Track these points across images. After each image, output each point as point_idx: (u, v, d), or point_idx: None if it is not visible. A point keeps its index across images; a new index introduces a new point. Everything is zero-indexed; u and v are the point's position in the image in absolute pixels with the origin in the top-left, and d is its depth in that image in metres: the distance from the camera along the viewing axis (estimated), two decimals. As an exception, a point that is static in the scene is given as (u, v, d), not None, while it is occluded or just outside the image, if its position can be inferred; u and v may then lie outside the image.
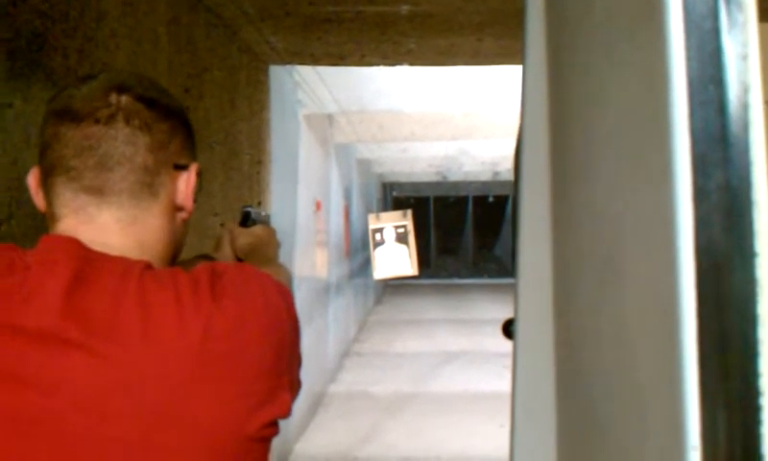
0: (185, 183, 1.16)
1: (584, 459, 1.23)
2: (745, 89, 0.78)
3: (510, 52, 4.72)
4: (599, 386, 1.12)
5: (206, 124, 3.87)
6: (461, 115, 8.04)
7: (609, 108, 1.03)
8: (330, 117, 8.23)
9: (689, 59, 0.78)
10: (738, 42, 0.79)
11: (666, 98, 0.79)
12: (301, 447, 6.74)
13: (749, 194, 0.78)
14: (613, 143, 1.01)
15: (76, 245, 1.05)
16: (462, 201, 24.74)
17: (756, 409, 0.77)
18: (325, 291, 8.68)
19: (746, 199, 0.78)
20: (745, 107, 0.78)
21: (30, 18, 2.19)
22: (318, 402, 8.08)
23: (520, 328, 1.48)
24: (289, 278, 1.58)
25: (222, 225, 3.66)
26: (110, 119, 1.08)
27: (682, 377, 0.78)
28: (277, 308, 1.09)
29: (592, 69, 1.11)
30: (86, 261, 1.03)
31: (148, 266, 1.06)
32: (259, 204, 4.99)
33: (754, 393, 0.77)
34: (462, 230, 25.59)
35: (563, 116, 1.33)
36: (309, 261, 7.41)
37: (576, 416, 1.28)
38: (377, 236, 10.16)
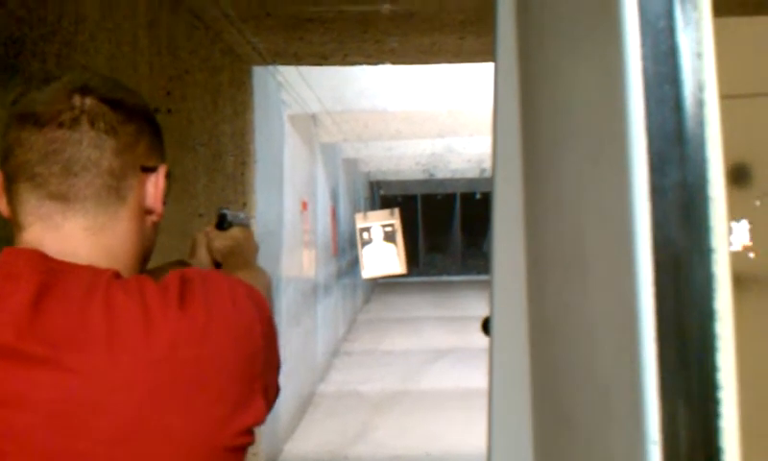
0: (154, 186, 1.13)
1: (556, 452, 1.24)
2: (700, 87, 0.79)
3: (492, 50, 4.72)
4: (569, 381, 1.13)
5: (189, 126, 3.87)
6: (446, 113, 8.05)
7: (572, 106, 1.04)
8: (315, 117, 8.22)
9: (645, 58, 0.79)
10: (693, 40, 0.79)
11: (623, 97, 0.80)
12: (291, 447, 6.74)
13: (705, 191, 0.79)
14: (576, 141, 1.02)
15: (40, 257, 1.03)
16: (449, 198, 24.77)
17: (714, 403, 0.78)
18: (313, 291, 8.68)
19: (702, 195, 0.79)
20: (700, 104, 0.79)
21: (7, 23, 2.18)
22: (307, 402, 8.09)
23: (496, 325, 1.49)
24: (268, 281, 1.57)
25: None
26: (74, 123, 1.05)
27: (641, 372, 0.79)
28: (248, 314, 1.07)
29: (558, 67, 1.12)
30: (51, 273, 1.01)
31: (116, 275, 1.04)
32: (244, 205, 4.98)
33: (712, 387, 0.78)
34: (450, 228, 25.63)
35: (533, 114, 1.34)
36: (296, 262, 7.41)
37: (550, 410, 1.29)
38: (365, 235, 10.17)
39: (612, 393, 0.90)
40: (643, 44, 0.79)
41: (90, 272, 1.03)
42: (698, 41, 0.79)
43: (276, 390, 1.16)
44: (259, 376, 1.06)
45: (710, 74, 0.79)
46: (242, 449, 1.05)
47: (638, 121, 0.79)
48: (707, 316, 0.78)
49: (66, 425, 0.96)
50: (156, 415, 0.98)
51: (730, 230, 2.16)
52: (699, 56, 0.79)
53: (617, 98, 0.82)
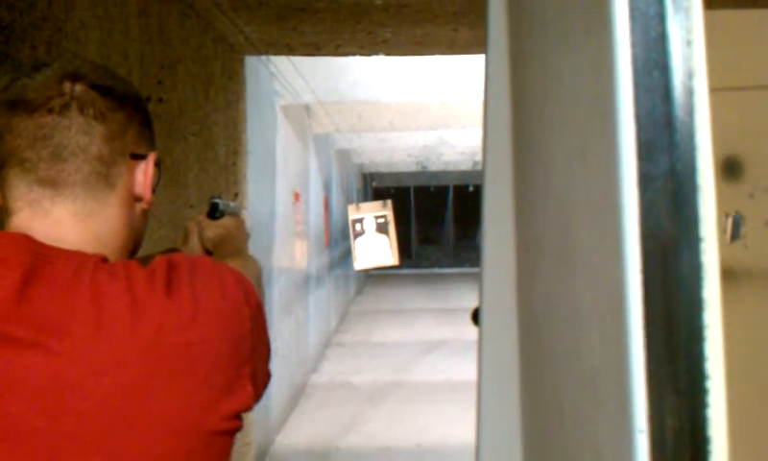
0: (143, 173, 1.14)
1: (545, 442, 1.24)
2: (690, 75, 0.79)
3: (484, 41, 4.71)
4: (558, 370, 1.13)
5: (181, 115, 3.85)
6: (439, 105, 8.04)
7: (562, 95, 1.04)
8: (308, 108, 8.20)
9: (634, 44, 0.79)
10: (683, 28, 0.79)
11: (612, 84, 0.80)
12: (283, 437, 6.75)
13: (694, 180, 0.78)
14: (566, 130, 1.02)
15: (27, 241, 1.04)
16: (442, 190, 24.80)
17: (702, 392, 0.77)
18: (305, 282, 8.67)
19: (691, 184, 0.78)
20: (690, 92, 0.79)
21: (-4, 10, 2.17)
22: (299, 393, 8.09)
23: (485, 315, 1.49)
24: (258, 270, 1.57)
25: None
26: (64, 108, 1.06)
27: (629, 362, 0.79)
28: (235, 299, 1.07)
29: (548, 57, 1.12)
30: (38, 257, 1.02)
31: (103, 260, 1.05)
32: (236, 195, 4.97)
33: (700, 376, 0.78)
34: (443, 220, 25.67)
35: (523, 105, 1.34)
36: (288, 252, 7.40)
37: (539, 400, 1.29)
38: (357, 227, 10.17)
39: (600, 382, 0.90)
40: (633, 31, 0.79)
41: (78, 257, 1.04)
42: (688, 29, 0.79)
43: (267, 377, 1.16)
44: (247, 360, 1.07)
45: (700, 62, 0.79)
46: (230, 434, 1.05)
47: (627, 108, 0.79)
48: (695, 305, 0.77)
49: (53, 409, 0.96)
50: (142, 399, 0.98)
51: (724, 225, 2.16)
52: (689, 43, 0.79)
53: (606, 85, 0.81)
